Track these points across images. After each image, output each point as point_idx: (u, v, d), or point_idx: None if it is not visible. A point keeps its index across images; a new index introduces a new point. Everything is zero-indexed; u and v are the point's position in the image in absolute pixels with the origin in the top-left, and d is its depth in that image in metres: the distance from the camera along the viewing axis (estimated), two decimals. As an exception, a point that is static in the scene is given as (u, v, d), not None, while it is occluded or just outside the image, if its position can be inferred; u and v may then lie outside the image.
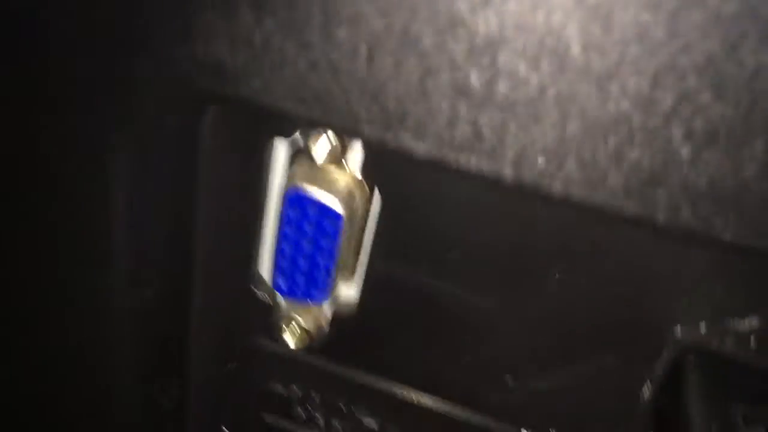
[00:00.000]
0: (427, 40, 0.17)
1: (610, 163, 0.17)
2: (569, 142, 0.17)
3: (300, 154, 0.25)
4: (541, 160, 0.18)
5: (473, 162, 0.18)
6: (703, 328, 0.23)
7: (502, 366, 0.27)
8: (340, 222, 0.25)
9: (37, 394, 0.29)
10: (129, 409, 0.28)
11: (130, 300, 0.26)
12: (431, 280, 0.26)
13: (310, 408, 0.31)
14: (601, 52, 0.16)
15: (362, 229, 0.27)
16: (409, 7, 0.17)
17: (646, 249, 0.22)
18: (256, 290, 0.29)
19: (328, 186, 0.25)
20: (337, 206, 0.25)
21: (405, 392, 0.29)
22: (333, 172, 0.25)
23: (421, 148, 0.19)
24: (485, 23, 0.17)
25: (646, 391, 0.25)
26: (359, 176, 0.25)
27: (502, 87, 0.17)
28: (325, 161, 0.25)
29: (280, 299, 0.29)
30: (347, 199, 0.25)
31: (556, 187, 0.18)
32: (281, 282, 0.27)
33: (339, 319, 0.28)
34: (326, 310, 0.29)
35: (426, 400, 0.29)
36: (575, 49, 0.17)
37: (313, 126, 0.22)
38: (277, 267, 0.27)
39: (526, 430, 0.27)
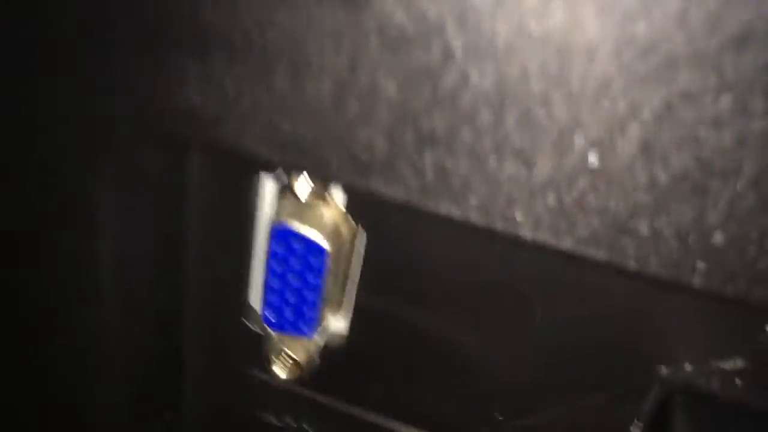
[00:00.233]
0: (392, 88, 0.17)
1: (576, 211, 0.17)
2: (534, 189, 0.17)
3: (286, 189, 0.26)
4: (507, 206, 0.18)
5: (441, 207, 0.18)
6: (688, 367, 0.23)
7: (490, 402, 0.27)
8: (326, 257, 0.25)
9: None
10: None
11: (120, 332, 0.26)
12: (416, 314, 0.26)
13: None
14: (562, 102, 0.16)
15: (349, 263, 0.27)
16: (375, 58, 0.17)
17: (629, 290, 0.22)
18: (247, 322, 0.29)
19: (313, 221, 0.25)
20: (322, 241, 0.25)
21: (395, 426, 0.29)
22: (318, 207, 0.26)
23: (390, 192, 0.19)
24: (449, 74, 0.17)
25: (635, 430, 0.25)
26: (344, 211, 0.25)
27: (466, 135, 0.17)
28: (308, 199, 0.25)
29: (271, 331, 0.29)
30: (332, 234, 0.25)
31: (524, 232, 0.18)
32: (270, 315, 0.28)
33: (329, 351, 0.29)
34: (317, 341, 0.29)
35: (416, 433, 0.29)
36: (537, 100, 0.17)
37: (289, 169, 0.22)
38: (266, 301, 0.27)
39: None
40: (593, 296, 0.23)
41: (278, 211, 0.26)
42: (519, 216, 0.18)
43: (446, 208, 0.18)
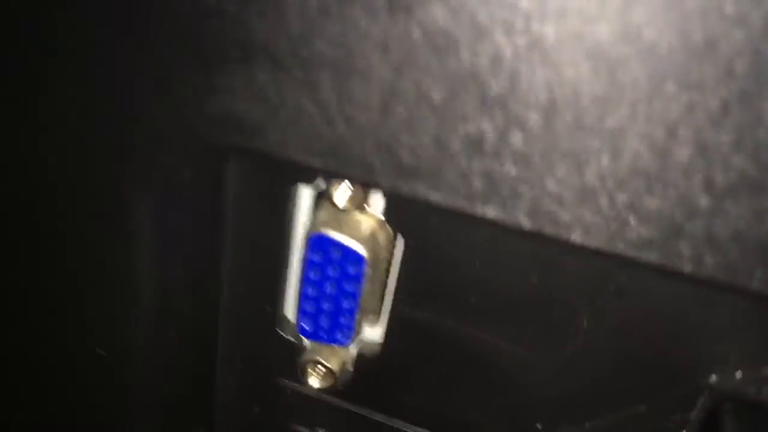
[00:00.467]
0: (438, 94, 0.17)
1: (629, 213, 0.17)
2: (585, 193, 0.17)
3: (323, 198, 0.25)
4: (557, 210, 0.18)
5: (489, 212, 0.18)
6: (738, 375, 0.22)
7: (531, 413, 0.26)
8: (363, 265, 0.25)
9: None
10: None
11: (156, 344, 0.26)
12: (455, 324, 0.25)
13: (336, 449, 0.31)
14: (615, 105, 0.16)
15: (387, 272, 0.27)
16: (421, 63, 0.17)
17: (677, 295, 0.22)
18: (281, 332, 0.29)
19: (351, 229, 0.25)
20: (359, 249, 0.25)
21: (432, 436, 0.29)
22: (356, 216, 0.25)
23: (436, 197, 0.19)
24: (496, 78, 0.17)
25: (683, 439, 0.24)
26: (382, 218, 0.25)
27: (514, 140, 0.17)
28: (347, 206, 0.25)
29: (305, 341, 0.29)
30: (370, 242, 0.25)
31: (575, 236, 0.18)
32: (306, 325, 0.27)
33: (363, 360, 0.28)
34: (351, 350, 0.29)
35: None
36: (588, 103, 0.16)
37: (330, 176, 0.22)
38: (302, 310, 0.27)
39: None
40: (639, 304, 0.22)
41: (315, 219, 0.26)
42: (569, 219, 0.18)
43: (494, 212, 0.18)
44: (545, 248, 0.20)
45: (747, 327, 0.22)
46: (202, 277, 0.26)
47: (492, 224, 0.19)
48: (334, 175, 0.21)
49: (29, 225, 0.25)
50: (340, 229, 0.25)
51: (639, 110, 0.16)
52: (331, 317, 0.27)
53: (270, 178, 0.25)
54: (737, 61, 0.15)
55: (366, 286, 0.26)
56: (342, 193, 0.24)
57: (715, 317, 0.22)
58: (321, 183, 0.25)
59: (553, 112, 0.17)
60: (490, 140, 0.17)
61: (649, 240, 0.17)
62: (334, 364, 0.29)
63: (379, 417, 0.29)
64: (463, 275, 0.25)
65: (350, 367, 0.29)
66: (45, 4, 0.19)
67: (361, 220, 0.25)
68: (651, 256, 0.17)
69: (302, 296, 0.27)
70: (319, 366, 0.29)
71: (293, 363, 0.29)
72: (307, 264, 0.26)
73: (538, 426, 0.26)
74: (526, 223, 0.18)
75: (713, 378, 0.22)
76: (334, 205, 0.25)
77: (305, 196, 0.26)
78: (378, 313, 0.28)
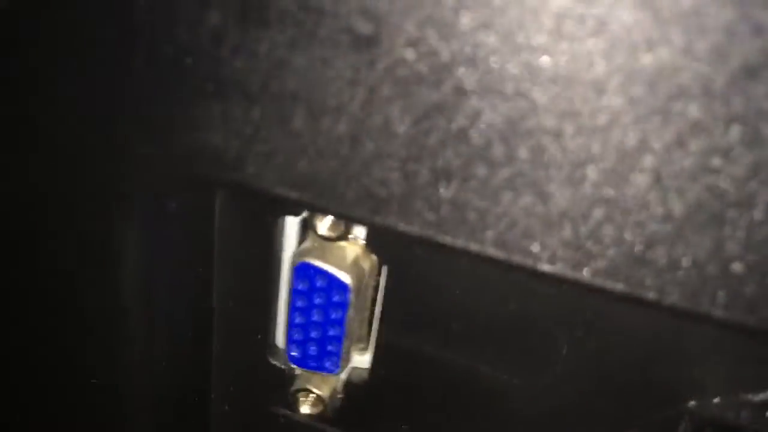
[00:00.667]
0: (404, 127, 0.18)
1: (592, 242, 0.17)
2: (549, 223, 0.18)
3: (308, 228, 0.26)
4: (523, 240, 0.18)
5: (458, 242, 0.19)
6: (717, 400, 0.22)
7: (515, 438, 0.26)
8: (348, 292, 0.26)
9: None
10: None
11: (147, 374, 0.27)
12: (438, 350, 0.26)
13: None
14: (574, 136, 0.17)
15: (373, 299, 0.27)
16: (387, 97, 0.18)
17: (653, 321, 0.22)
18: (272, 360, 0.29)
19: (335, 258, 0.26)
20: (344, 277, 0.25)
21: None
22: (340, 244, 0.26)
23: (406, 228, 0.19)
24: (461, 110, 0.17)
25: (665, 464, 0.24)
26: (365, 246, 0.26)
27: (479, 171, 0.18)
28: (330, 235, 0.25)
29: (295, 367, 0.29)
30: (354, 270, 0.26)
31: (542, 265, 0.18)
32: (295, 352, 0.28)
33: (352, 386, 0.29)
34: (341, 376, 0.29)
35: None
36: (548, 134, 0.17)
37: (308, 208, 0.23)
38: (290, 337, 0.28)
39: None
40: (616, 330, 0.23)
41: (301, 248, 0.26)
42: (536, 248, 0.18)
43: (463, 242, 0.18)
44: (519, 276, 0.20)
45: (722, 353, 0.22)
46: (192, 307, 0.27)
47: (462, 253, 0.19)
48: (311, 208, 0.22)
49: (22, 254, 0.25)
50: (325, 258, 0.26)
51: (597, 141, 0.16)
52: (319, 345, 0.27)
53: (256, 209, 0.25)
54: (688, 92, 0.15)
55: (352, 314, 0.26)
56: (325, 222, 0.25)
57: (690, 343, 0.22)
58: (305, 213, 0.26)
59: (516, 144, 0.17)
60: (455, 172, 0.18)
61: (612, 269, 0.18)
62: (324, 391, 0.29)
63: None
64: (445, 302, 0.25)
65: (340, 393, 0.29)
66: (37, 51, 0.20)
67: (346, 249, 0.26)
68: (615, 285, 0.18)
69: (290, 324, 0.27)
70: (310, 393, 0.30)
71: (284, 390, 0.30)
72: (294, 292, 0.26)
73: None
74: (494, 252, 0.18)
75: (692, 403, 0.22)
76: (318, 234, 0.25)
77: (291, 225, 0.26)
78: (366, 340, 0.28)
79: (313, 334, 0.27)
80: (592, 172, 0.17)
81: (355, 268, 0.26)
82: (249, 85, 0.19)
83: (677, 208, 0.17)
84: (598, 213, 0.17)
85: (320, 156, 0.19)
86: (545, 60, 0.17)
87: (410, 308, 0.26)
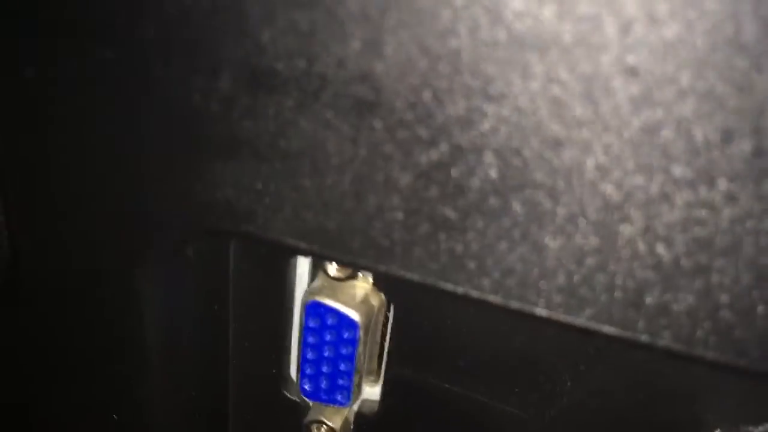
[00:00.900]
0: (405, 181, 0.19)
1: (585, 289, 0.18)
2: (545, 271, 0.18)
3: (318, 268, 0.27)
4: (520, 286, 0.19)
5: (458, 288, 0.20)
6: (718, 433, 0.23)
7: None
8: (357, 329, 0.27)
9: None
10: None
11: (167, 411, 0.28)
12: (445, 384, 0.27)
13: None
14: (564, 191, 0.18)
15: (381, 333, 0.28)
16: (387, 154, 0.19)
17: (653, 357, 0.23)
18: (286, 393, 0.30)
19: (344, 296, 0.27)
20: (353, 314, 0.26)
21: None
22: (349, 283, 0.27)
23: (409, 275, 0.20)
24: (457, 167, 0.18)
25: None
26: (373, 284, 0.27)
27: (477, 222, 0.19)
28: (339, 275, 0.26)
29: (308, 400, 0.30)
30: (363, 308, 0.27)
31: (539, 310, 0.19)
32: (307, 386, 0.29)
33: (363, 418, 0.29)
34: (353, 408, 0.30)
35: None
36: (540, 188, 0.18)
37: (315, 257, 0.24)
38: (303, 372, 0.29)
39: None
40: (618, 366, 0.23)
41: (312, 287, 0.27)
42: (531, 295, 0.19)
43: (463, 288, 0.19)
44: (514, 319, 0.21)
45: (724, 387, 0.22)
46: (209, 344, 0.28)
47: (462, 299, 0.20)
48: (318, 256, 0.23)
49: (48, 301, 0.27)
50: (335, 297, 0.27)
51: (586, 195, 0.17)
52: (330, 379, 0.28)
53: (269, 253, 0.26)
54: (672, 152, 0.16)
55: (362, 349, 0.27)
56: (334, 264, 0.26)
57: (690, 378, 0.23)
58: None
59: (510, 198, 0.18)
60: (453, 223, 0.19)
61: (605, 313, 0.18)
62: (336, 422, 0.30)
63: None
64: (451, 338, 0.26)
65: (351, 425, 0.30)
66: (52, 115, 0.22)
67: (355, 287, 0.27)
68: (609, 329, 0.19)
69: (302, 360, 0.28)
70: (323, 424, 0.30)
71: (298, 421, 0.31)
72: (306, 329, 0.28)
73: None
74: (492, 298, 0.19)
75: (694, 437, 0.23)
76: (328, 274, 0.26)
77: (302, 265, 0.27)
78: (377, 373, 0.29)
79: (325, 369, 0.28)
80: (582, 224, 0.18)
81: (364, 306, 0.27)
82: (258, 144, 0.20)
83: (666, 256, 0.17)
84: (590, 261, 0.18)
85: (326, 209, 0.20)
86: (532, 119, 0.18)
87: (418, 343, 0.27)
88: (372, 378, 0.29)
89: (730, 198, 0.17)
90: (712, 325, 0.18)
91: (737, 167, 0.16)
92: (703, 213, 0.17)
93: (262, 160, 0.20)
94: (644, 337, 0.18)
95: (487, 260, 0.19)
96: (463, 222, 0.19)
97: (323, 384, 0.29)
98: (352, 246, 0.20)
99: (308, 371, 0.29)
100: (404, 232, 0.19)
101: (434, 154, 0.18)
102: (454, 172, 0.18)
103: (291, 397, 0.30)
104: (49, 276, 0.26)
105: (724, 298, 0.17)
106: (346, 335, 0.27)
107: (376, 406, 0.29)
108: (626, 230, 0.18)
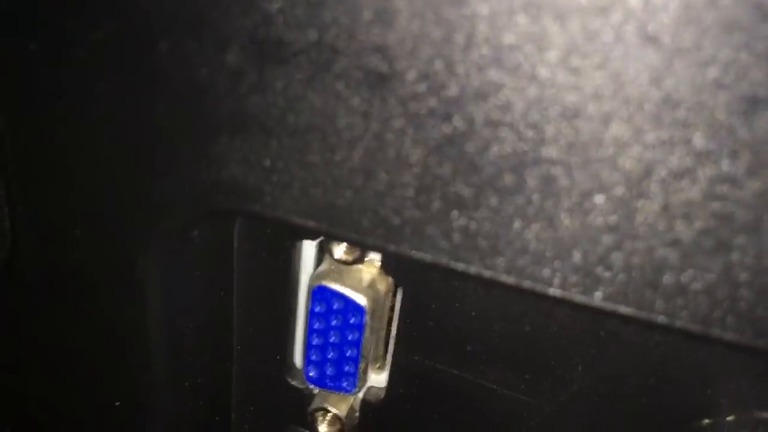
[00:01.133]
0: (416, 158, 0.18)
1: (601, 268, 0.18)
2: (559, 250, 0.18)
3: (325, 252, 0.27)
4: (534, 266, 0.18)
5: (471, 268, 0.19)
6: (730, 419, 0.22)
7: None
8: (364, 314, 0.26)
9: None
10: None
11: (170, 395, 0.27)
12: (454, 370, 0.26)
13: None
14: (582, 165, 0.17)
15: (389, 320, 0.28)
16: (399, 129, 0.18)
17: (666, 340, 0.22)
18: (291, 381, 0.30)
19: (351, 280, 0.26)
20: (359, 299, 0.26)
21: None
22: (356, 267, 0.26)
23: (420, 255, 0.19)
24: (471, 142, 0.18)
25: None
26: (381, 268, 0.26)
27: (490, 200, 0.18)
28: (346, 259, 0.26)
29: (313, 387, 0.30)
30: (370, 292, 0.26)
31: (553, 291, 0.19)
32: (312, 373, 0.28)
33: (369, 406, 0.29)
34: (358, 396, 0.30)
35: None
36: (556, 164, 0.17)
37: (323, 236, 0.23)
38: (308, 359, 0.28)
39: None
40: (630, 350, 0.23)
41: (318, 271, 0.27)
42: (546, 274, 0.18)
43: (475, 268, 0.19)
44: (528, 299, 0.21)
45: (737, 371, 0.22)
46: (213, 329, 0.28)
47: (474, 279, 0.19)
48: (327, 235, 0.22)
49: (51, 283, 0.26)
50: (341, 281, 0.26)
51: (604, 170, 0.17)
52: (336, 365, 0.28)
53: (275, 235, 0.26)
54: (692, 123, 0.16)
55: (368, 335, 0.27)
56: (341, 247, 0.25)
57: (704, 362, 0.22)
58: (321, 237, 0.26)
59: (525, 174, 0.18)
60: (466, 201, 0.18)
61: (622, 293, 0.18)
62: (341, 410, 0.30)
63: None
64: (459, 323, 0.25)
65: (357, 412, 0.30)
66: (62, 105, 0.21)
67: (362, 271, 0.26)
68: (625, 309, 0.18)
69: (308, 345, 0.28)
70: (328, 412, 0.30)
71: (303, 409, 0.30)
72: (312, 314, 0.27)
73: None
74: (505, 278, 0.19)
75: (706, 422, 0.23)
76: (334, 257, 0.26)
77: (308, 249, 0.27)
78: (383, 359, 0.29)
79: (331, 355, 0.28)
80: (600, 200, 0.17)
81: (370, 290, 0.26)
82: (266, 119, 0.19)
83: (685, 234, 0.17)
84: (607, 239, 0.18)
85: (335, 186, 0.20)
86: (551, 92, 0.17)
87: (426, 328, 0.27)
88: (378, 365, 0.29)
89: (753, 172, 0.16)
90: (730, 305, 0.17)
91: (761, 139, 0.16)
92: (725, 188, 0.16)
93: (270, 136, 0.20)
94: (661, 318, 0.18)
95: (500, 239, 0.19)
96: (477, 199, 0.18)
97: (329, 371, 0.28)
98: (362, 225, 0.20)
99: (314, 357, 0.28)
100: (416, 209, 0.19)
101: (447, 128, 0.18)
102: (468, 147, 0.18)
103: (295, 384, 0.30)
104: (51, 259, 0.25)
105: (744, 276, 0.17)
106: (352, 320, 0.27)
107: (382, 394, 0.29)
108: (645, 207, 0.17)
